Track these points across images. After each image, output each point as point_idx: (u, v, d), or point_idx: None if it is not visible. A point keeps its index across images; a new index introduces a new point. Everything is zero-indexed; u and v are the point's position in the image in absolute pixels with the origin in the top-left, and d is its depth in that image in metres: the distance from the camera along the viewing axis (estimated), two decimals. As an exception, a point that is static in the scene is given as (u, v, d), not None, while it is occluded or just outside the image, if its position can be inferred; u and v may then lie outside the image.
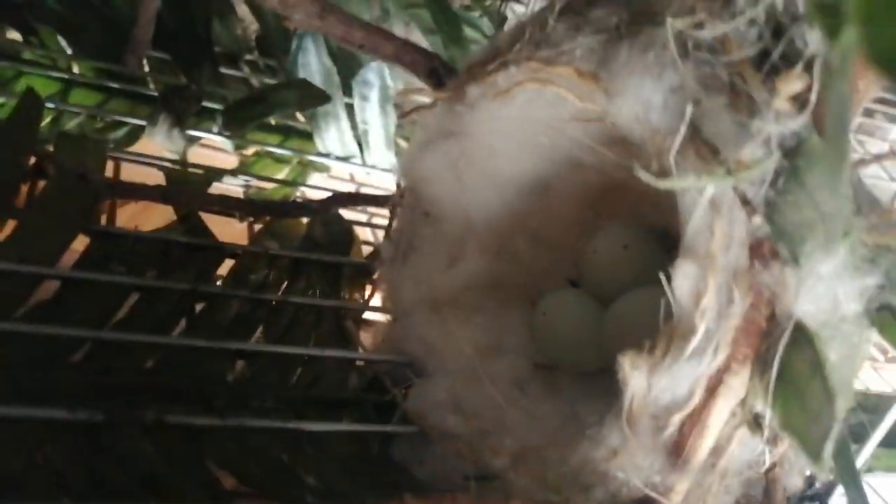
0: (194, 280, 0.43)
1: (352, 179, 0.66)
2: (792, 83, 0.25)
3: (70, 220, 0.40)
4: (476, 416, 0.37)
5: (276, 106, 0.51)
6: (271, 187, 0.57)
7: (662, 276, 0.28)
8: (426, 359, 0.41)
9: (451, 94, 0.38)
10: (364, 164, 0.61)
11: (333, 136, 0.58)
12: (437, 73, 0.40)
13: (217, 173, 0.53)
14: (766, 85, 0.27)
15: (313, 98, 0.51)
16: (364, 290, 0.49)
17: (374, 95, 0.54)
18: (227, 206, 0.48)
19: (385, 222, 0.58)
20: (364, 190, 0.66)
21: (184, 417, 0.33)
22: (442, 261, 0.43)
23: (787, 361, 0.27)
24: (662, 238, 0.39)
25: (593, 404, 0.39)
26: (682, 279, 0.28)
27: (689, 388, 0.29)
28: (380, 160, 0.60)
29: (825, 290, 0.27)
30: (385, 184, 0.67)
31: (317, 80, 0.54)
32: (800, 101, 0.25)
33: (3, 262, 0.37)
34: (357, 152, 0.60)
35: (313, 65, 0.54)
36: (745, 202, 0.26)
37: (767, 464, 0.31)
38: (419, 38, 0.77)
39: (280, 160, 0.61)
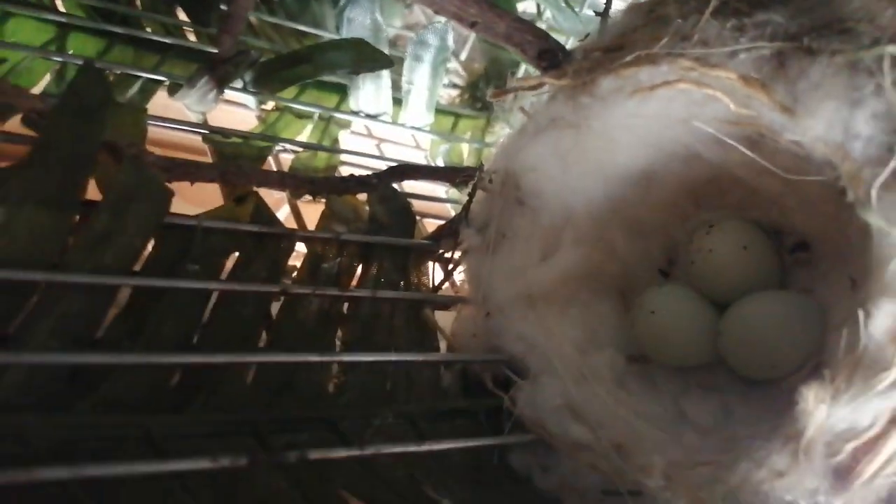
0: (268, 271, 0.40)
1: (369, 134, 0.62)
2: None
3: (144, 216, 0.36)
4: (601, 425, 0.36)
5: (324, 67, 0.47)
6: (303, 152, 0.53)
7: (861, 314, 0.28)
8: (527, 358, 0.39)
9: (575, 84, 0.36)
10: (394, 123, 0.57)
11: (370, 94, 0.54)
12: (551, 55, 0.37)
13: (264, 142, 0.48)
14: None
15: (372, 61, 0.46)
16: (427, 268, 0.47)
17: (429, 56, 0.50)
18: (286, 183, 0.44)
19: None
20: (384, 146, 0.62)
21: (325, 452, 0.31)
22: (536, 253, 0.41)
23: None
24: (776, 238, 0.39)
25: (697, 401, 0.39)
26: (883, 318, 0.27)
27: (871, 419, 0.29)
28: (416, 121, 0.56)
29: None
30: (405, 139, 0.64)
31: (365, 35, 0.49)
32: None
33: (80, 272, 0.33)
34: (388, 110, 0.56)
35: (361, 19, 0.49)
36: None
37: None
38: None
39: (302, 115, 0.56)
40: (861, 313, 0.28)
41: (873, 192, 0.27)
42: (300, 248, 0.43)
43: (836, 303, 0.35)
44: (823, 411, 0.29)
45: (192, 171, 0.40)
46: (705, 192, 0.41)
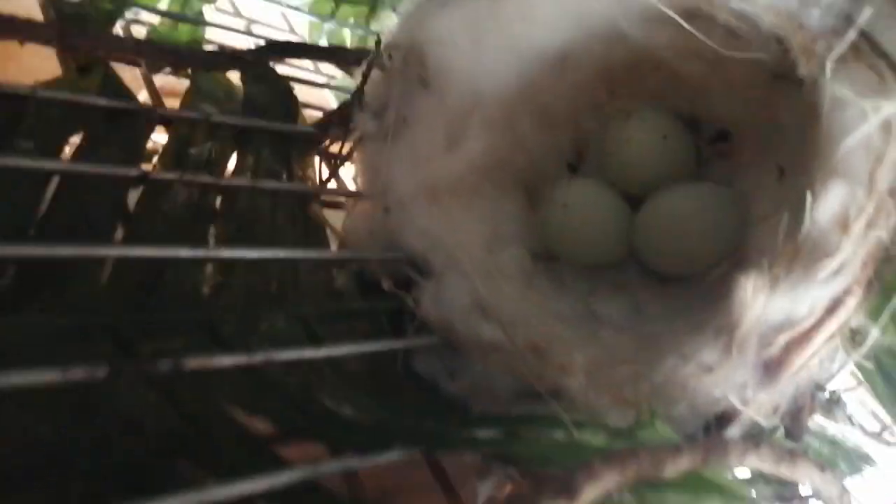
0: (123, 155, 0.33)
1: (237, 13, 0.54)
2: None
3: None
4: (514, 324, 0.33)
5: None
6: (162, 22, 0.45)
7: (808, 197, 0.26)
8: (430, 255, 0.35)
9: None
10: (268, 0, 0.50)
11: (240, -39, 0.46)
12: None
13: (114, 3, 0.40)
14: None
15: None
16: (313, 161, 0.41)
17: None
18: (142, 52, 0.36)
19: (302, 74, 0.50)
20: (254, 28, 0.55)
21: (205, 361, 0.25)
22: (441, 140, 0.37)
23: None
24: (693, 127, 0.37)
25: (608, 300, 0.37)
26: (831, 201, 0.25)
27: (808, 309, 0.27)
28: (293, -3, 0.50)
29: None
30: (278, 22, 0.56)
31: None
32: None
33: None
34: (262, -17, 0.49)
35: None
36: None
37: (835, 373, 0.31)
38: None
39: (157, -16, 0.48)
40: (809, 196, 0.26)
41: (829, 65, 0.25)
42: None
43: (760, 194, 0.33)
44: (761, 302, 0.27)
45: (23, 30, 0.32)
46: (623, 77, 0.38)
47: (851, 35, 0.25)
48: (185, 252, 0.29)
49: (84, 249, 0.27)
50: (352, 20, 0.56)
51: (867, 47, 0.25)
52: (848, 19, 0.25)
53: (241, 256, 0.31)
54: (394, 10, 0.57)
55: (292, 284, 0.34)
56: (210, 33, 0.46)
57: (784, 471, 0.27)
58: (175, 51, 0.38)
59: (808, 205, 0.26)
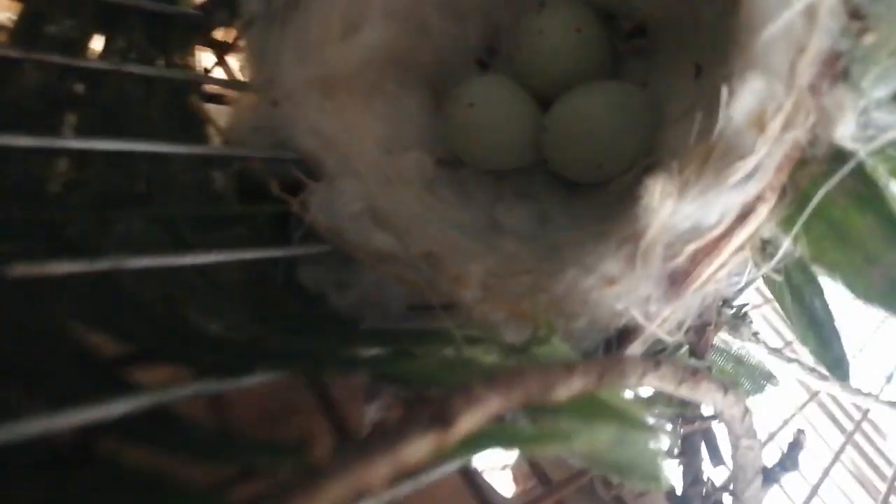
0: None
1: None
2: None
3: None
4: (409, 232, 0.30)
5: None
6: None
7: (724, 92, 0.23)
8: (322, 156, 0.32)
9: None
10: None
11: None
12: None
13: None
14: None
15: None
16: (194, 50, 0.37)
17: None
18: None
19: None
20: None
21: (39, 267, 0.22)
22: (336, 27, 0.33)
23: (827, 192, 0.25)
24: (610, 22, 0.34)
25: (512, 209, 0.35)
26: (747, 97, 0.23)
27: (719, 215, 0.25)
28: None
29: (875, 117, 0.25)
30: None
31: None
32: None
33: None
34: None
35: None
36: (856, 15, 0.22)
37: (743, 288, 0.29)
38: None
39: None
40: (724, 91, 0.23)
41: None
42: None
43: (676, 95, 0.31)
44: (669, 208, 0.25)
45: None
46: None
47: None
48: (25, 140, 0.25)
49: None
50: None
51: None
52: None
53: (95, 147, 0.27)
54: None
55: (163, 185, 0.30)
56: None
57: (685, 391, 0.25)
58: None
59: (723, 100, 0.23)
